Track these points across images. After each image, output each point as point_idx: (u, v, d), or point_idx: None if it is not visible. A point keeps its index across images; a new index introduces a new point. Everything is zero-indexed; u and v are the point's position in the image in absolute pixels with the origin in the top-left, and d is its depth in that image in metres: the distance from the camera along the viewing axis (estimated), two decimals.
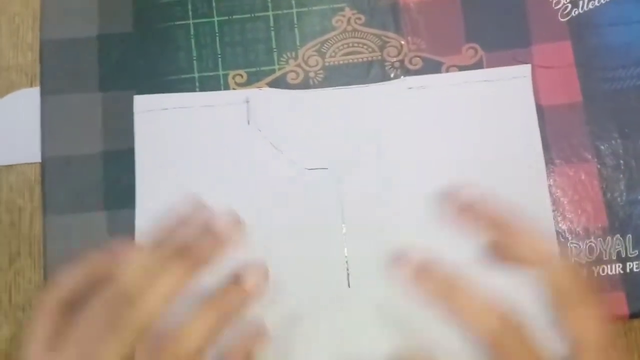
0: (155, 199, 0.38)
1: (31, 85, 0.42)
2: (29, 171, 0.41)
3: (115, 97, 0.40)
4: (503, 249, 0.27)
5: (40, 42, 0.41)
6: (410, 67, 0.40)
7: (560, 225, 0.38)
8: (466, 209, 0.28)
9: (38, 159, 0.40)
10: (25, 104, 0.41)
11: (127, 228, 0.38)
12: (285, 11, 0.41)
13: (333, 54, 0.41)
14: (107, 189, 0.39)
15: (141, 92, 0.40)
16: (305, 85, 0.40)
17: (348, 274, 0.37)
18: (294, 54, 0.41)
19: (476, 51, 0.40)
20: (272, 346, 0.36)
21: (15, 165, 0.41)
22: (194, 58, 0.41)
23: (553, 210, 0.38)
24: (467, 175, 0.38)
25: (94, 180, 0.39)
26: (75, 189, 0.39)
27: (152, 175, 0.39)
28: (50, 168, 0.39)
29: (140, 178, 0.39)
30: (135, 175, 0.39)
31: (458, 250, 0.36)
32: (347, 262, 0.37)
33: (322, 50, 0.41)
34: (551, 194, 0.38)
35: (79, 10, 0.41)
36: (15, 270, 0.40)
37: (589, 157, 0.38)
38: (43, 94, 0.40)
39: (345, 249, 0.37)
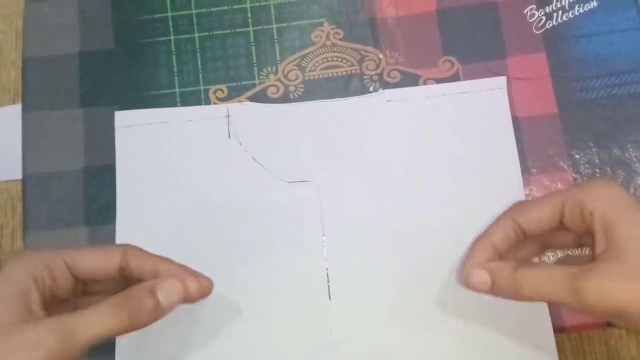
0: (135, 214, 0.39)
1: (14, 103, 0.42)
2: (12, 188, 0.41)
3: (96, 113, 0.40)
4: None
5: (22, 59, 0.42)
6: (389, 80, 0.41)
7: None
8: None
9: (20, 176, 0.40)
10: (7, 121, 0.41)
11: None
12: (265, 27, 0.42)
13: (313, 68, 0.41)
14: (88, 205, 0.39)
15: (122, 107, 0.40)
16: (285, 99, 0.41)
17: (329, 286, 0.37)
18: (274, 68, 0.41)
19: (452, 64, 0.40)
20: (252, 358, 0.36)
21: None
22: (175, 73, 0.41)
23: None
24: (445, 186, 0.38)
25: (75, 196, 0.39)
26: (56, 205, 0.39)
27: (132, 191, 0.39)
28: (31, 184, 0.39)
29: (121, 193, 0.39)
30: (116, 190, 0.39)
31: (437, 260, 0.37)
32: (327, 274, 0.37)
33: (302, 64, 0.41)
34: None
35: (61, 27, 0.42)
36: None
37: (565, 166, 0.38)
38: (24, 110, 0.41)
39: (326, 262, 0.37)
